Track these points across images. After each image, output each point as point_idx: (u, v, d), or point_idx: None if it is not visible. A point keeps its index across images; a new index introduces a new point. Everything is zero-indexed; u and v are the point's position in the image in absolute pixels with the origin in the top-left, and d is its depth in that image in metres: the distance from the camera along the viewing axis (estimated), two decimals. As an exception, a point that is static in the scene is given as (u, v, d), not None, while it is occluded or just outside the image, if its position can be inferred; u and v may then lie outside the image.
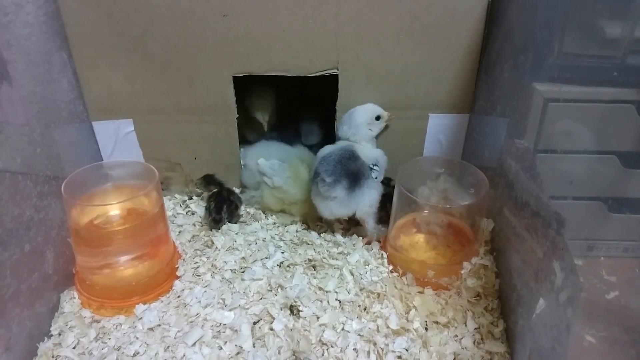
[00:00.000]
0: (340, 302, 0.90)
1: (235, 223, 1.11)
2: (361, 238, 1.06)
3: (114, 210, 0.95)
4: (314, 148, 1.20)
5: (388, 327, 0.85)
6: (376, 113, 1.05)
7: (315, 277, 0.96)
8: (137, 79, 1.05)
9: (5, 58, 0.81)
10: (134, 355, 0.81)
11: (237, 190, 1.20)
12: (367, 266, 0.99)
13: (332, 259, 1.01)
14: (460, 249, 0.98)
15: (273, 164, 1.13)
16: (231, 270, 0.98)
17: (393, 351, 0.81)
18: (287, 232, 1.11)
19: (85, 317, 0.89)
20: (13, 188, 0.80)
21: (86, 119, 1.08)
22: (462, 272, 0.93)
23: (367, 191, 0.99)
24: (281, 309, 0.89)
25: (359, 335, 0.84)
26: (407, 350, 0.81)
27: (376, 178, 1.01)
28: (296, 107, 1.33)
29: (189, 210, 1.18)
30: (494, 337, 0.83)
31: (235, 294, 0.92)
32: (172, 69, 1.04)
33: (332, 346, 0.82)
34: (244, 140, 1.24)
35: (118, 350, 0.82)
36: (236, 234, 1.08)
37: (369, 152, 1.04)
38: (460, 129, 1.12)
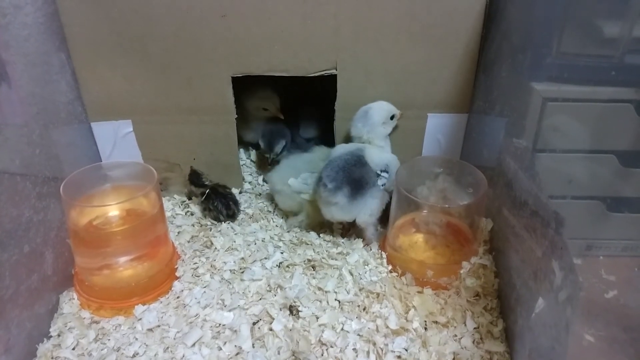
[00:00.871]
0: (339, 302, 0.90)
1: (239, 212, 1.14)
2: (361, 239, 1.06)
3: (113, 211, 0.94)
4: (312, 142, 1.22)
5: (387, 327, 0.85)
6: (391, 112, 1.04)
7: (314, 277, 0.96)
8: (136, 80, 1.05)
9: (4, 59, 0.82)
10: (134, 356, 0.81)
11: (236, 192, 1.20)
12: (366, 266, 0.99)
13: (332, 259, 1.01)
14: (459, 248, 0.98)
15: (304, 178, 1.09)
16: (230, 270, 0.98)
17: (392, 351, 0.81)
18: (286, 232, 1.11)
19: (84, 318, 0.89)
20: (12, 189, 0.80)
21: (85, 119, 1.08)
22: (461, 271, 0.93)
23: (369, 200, 0.98)
24: (280, 309, 0.89)
25: (359, 335, 0.84)
26: (406, 350, 0.81)
27: (383, 185, 0.99)
28: (294, 102, 1.33)
29: (188, 211, 1.18)
30: (494, 337, 0.83)
31: (235, 294, 0.92)
32: (171, 70, 1.04)
33: (331, 346, 0.82)
34: (241, 142, 1.24)
35: (117, 351, 0.82)
36: (235, 234, 1.09)
37: (379, 157, 1.01)
38: (459, 129, 1.12)
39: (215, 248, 1.03)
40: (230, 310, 0.89)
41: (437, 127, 1.12)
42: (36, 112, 0.90)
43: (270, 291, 0.93)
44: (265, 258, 1.01)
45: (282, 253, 1.03)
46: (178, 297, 0.92)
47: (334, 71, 1.04)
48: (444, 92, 1.07)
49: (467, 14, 0.98)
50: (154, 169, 0.92)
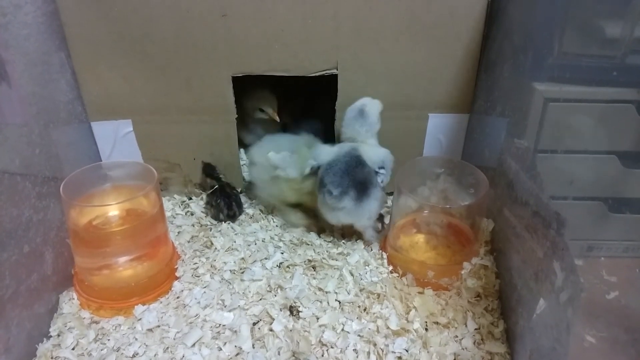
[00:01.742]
0: (340, 302, 0.90)
1: (240, 215, 1.14)
2: (361, 240, 1.06)
3: (113, 210, 0.94)
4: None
5: (388, 327, 0.85)
6: (381, 107, 1.03)
7: (314, 278, 0.96)
8: (136, 79, 1.05)
9: (4, 58, 0.81)
10: (133, 356, 0.81)
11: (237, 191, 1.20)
12: (367, 267, 0.99)
13: (332, 259, 1.00)
14: (460, 249, 0.98)
15: (284, 156, 1.08)
16: (230, 270, 0.97)
17: (393, 352, 0.81)
18: (286, 232, 1.11)
19: (84, 318, 0.88)
20: (12, 189, 0.80)
21: (85, 119, 1.08)
22: (462, 272, 0.92)
23: (373, 201, 0.97)
24: (281, 310, 0.89)
25: (359, 336, 0.84)
26: (407, 350, 0.81)
27: (382, 182, 0.97)
28: (291, 99, 1.33)
29: (188, 211, 1.18)
30: (494, 338, 0.83)
31: (235, 294, 0.92)
32: (171, 69, 1.04)
33: (332, 347, 0.82)
34: (241, 143, 1.24)
35: (117, 351, 0.82)
36: (235, 234, 1.08)
37: (374, 153, 0.99)
38: (460, 129, 1.12)
39: (216, 248, 1.03)
40: (230, 311, 0.88)
41: (438, 128, 1.12)
42: (36, 112, 0.90)
43: (270, 291, 0.93)
44: (266, 258, 1.01)
45: (282, 253, 1.02)
46: (178, 297, 0.92)
47: (334, 71, 1.04)
48: (445, 92, 1.07)
49: (468, 14, 0.97)
50: (154, 169, 0.92)
